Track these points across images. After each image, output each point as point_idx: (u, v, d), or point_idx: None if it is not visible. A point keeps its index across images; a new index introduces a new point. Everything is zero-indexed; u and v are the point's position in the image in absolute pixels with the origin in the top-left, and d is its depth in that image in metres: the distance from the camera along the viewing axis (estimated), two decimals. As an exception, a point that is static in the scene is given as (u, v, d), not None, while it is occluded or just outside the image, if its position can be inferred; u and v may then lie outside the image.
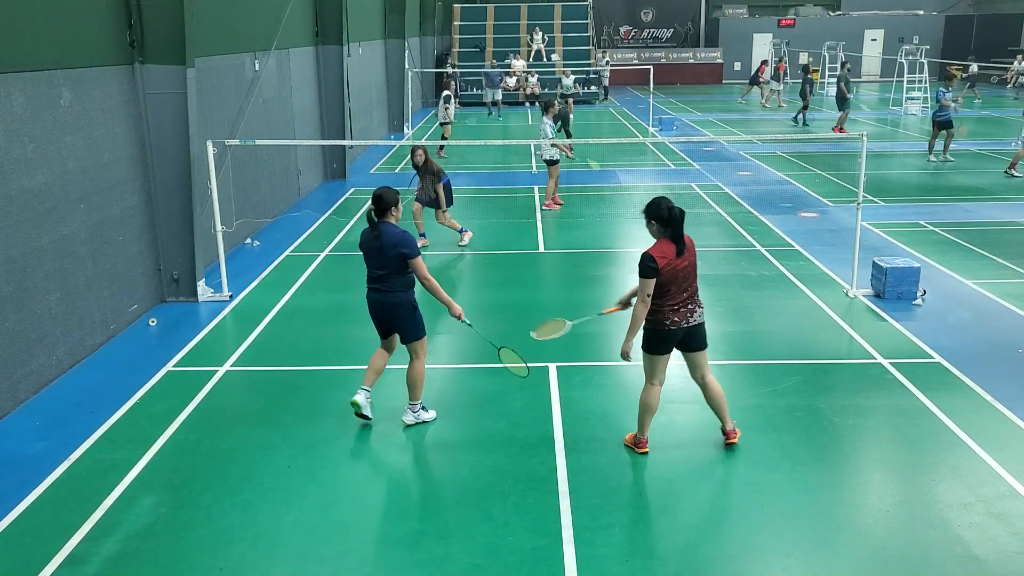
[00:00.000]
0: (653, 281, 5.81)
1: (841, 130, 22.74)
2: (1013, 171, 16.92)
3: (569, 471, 6.09)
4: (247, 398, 7.47)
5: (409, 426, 6.79)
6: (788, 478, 5.98)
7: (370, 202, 6.47)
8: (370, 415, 6.84)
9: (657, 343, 6.06)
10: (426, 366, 6.80)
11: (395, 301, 6.47)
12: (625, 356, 6.11)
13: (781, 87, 31.46)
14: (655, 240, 5.99)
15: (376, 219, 6.40)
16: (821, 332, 8.79)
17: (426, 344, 6.74)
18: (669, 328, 5.96)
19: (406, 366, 6.78)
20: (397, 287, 6.45)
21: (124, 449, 6.50)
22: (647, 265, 5.81)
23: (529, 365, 6.62)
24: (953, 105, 18.43)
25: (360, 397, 6.75)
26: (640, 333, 6.08)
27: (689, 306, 5.97)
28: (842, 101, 23.12)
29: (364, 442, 6.62)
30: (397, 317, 6.55)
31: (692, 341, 6.11)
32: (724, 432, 6.40)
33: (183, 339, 8.79)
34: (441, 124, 21.12)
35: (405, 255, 6.35)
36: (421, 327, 6.62)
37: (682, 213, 5.87)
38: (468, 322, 6.70)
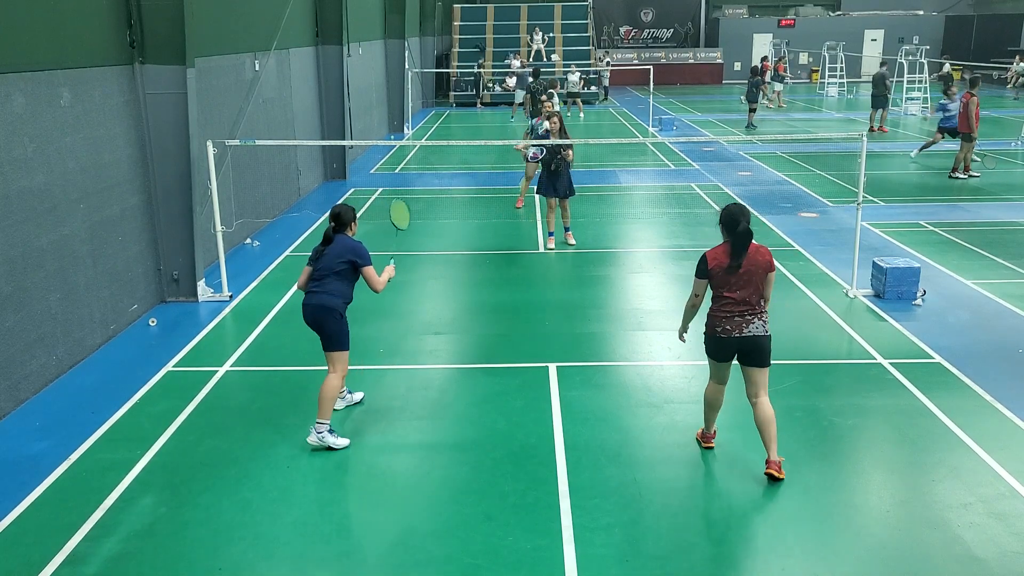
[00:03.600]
0: (703, 281, 6.00)
1: (883, 128, 23.55)
2: (956, 173, 17.01)
3: (569, 471, 6.09)
4: (247, 398, 7.47)
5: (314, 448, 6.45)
6: (788, 478, 5.97)
7: (328, 219, 6.49)
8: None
9: (711, 349, 6.08)
10: (424, 366, 6.77)
11: (324, 304, 6.32)
12: (679, 338, 6.44)
13: (782, 87, 31.62)
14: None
15: (332, 235, 6.43)
16: (821, 332, 8.78)
17: (347, 362, 6.54)
18: (720, 336, 5.92)
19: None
20: (332, 291, 6.34)
21: (124, 449, 6.51)
22: (699, 264, 6.01)
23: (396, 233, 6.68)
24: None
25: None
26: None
27: (747, 316, 5.85)
28: (881, 100, 23.44)
29: (363, 442, 6.61)
30: (323, 321, 6.37)
31: (750, 354, 5.93)
32: (767, 462, 5.95)
33: (183, 339, 8.80)
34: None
35: (356, 263, 6.35)
36: (345, 339, 6.47)
37: (747, 231, 5.79)
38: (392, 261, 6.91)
